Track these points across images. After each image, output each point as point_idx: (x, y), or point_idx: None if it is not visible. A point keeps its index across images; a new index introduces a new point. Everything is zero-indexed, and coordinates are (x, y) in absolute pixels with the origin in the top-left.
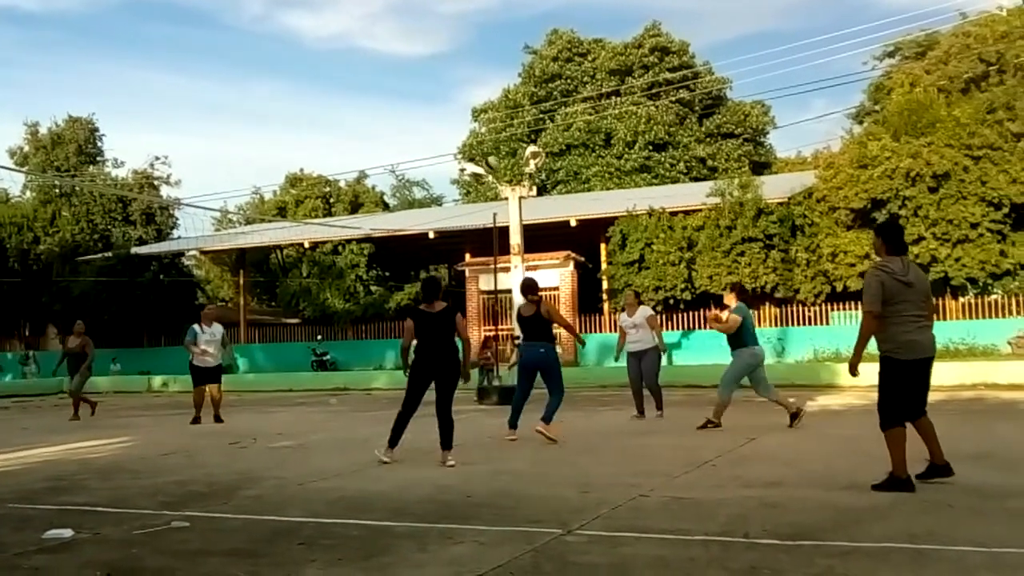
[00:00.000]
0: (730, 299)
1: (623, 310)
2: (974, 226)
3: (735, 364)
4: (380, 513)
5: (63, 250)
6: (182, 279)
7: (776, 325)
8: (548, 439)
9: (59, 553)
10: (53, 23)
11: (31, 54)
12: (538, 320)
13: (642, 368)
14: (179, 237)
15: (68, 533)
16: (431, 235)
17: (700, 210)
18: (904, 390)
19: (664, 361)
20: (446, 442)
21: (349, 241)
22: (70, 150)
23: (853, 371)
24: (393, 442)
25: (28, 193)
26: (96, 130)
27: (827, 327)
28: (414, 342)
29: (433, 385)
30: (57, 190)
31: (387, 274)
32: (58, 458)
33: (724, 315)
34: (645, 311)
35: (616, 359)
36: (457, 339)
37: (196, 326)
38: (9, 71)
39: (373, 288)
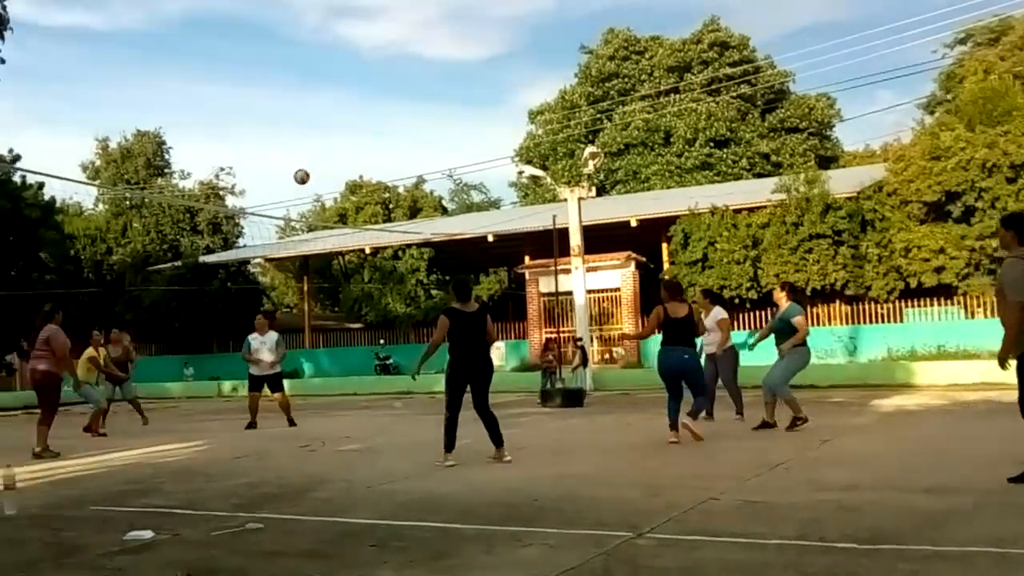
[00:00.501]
0: (781, 297)
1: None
2: None
3: (791, 361)
4: (448, 515)
5: (134, 260)
6: (248, 286)
7: (847, 323)
8: (696, 436)
9: (140, 554)
10: (120, 41)
11: (100, 71)
12: (688, 323)
13: (719, 370)
14: (245, 245)
15: (148, 534)
16: (490, 238)
17: (765, 207)
18: None
19: None
20: (497, 439)
21: (409, 246)
22: (139, 163)
23: (1003, 365)
24: (449, 447)
25: (100, 206)
26: (163, 143)
27: (901, 325)
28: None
29: (472, 387)
30: (128, 202)
31: (447, 278)
32: (135, 461)
33: (800, 332)
34: (717, 313)
35: (750, 348)
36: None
37: (251, 336)
38: (80, 89)
39: (434, 292)
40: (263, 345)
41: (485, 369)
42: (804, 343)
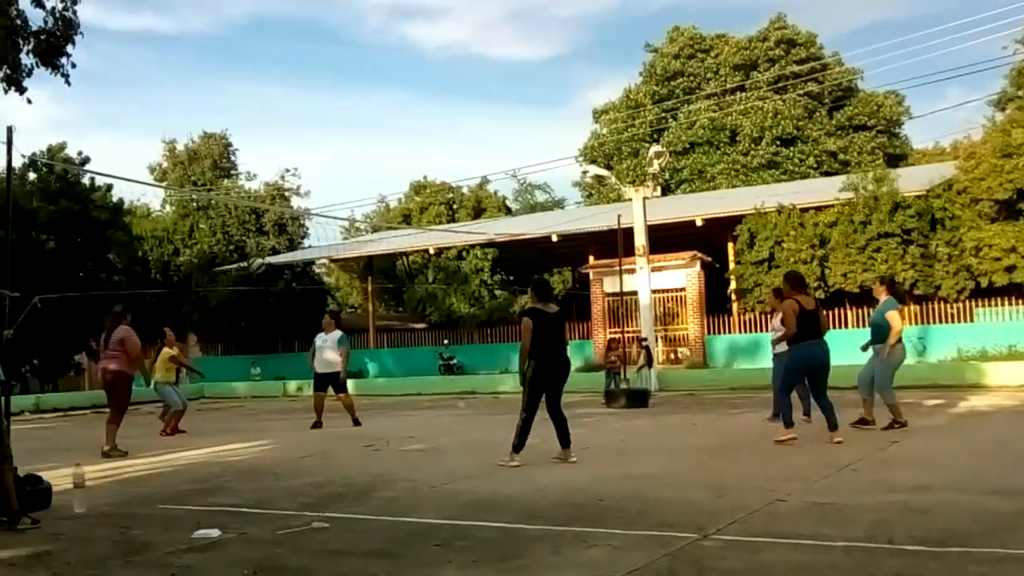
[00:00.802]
0: (880, 292)
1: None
2: None
3: (889, 360)
4: (513, 515)
5: (201, 261)
6: (313, 287)
7: (916, 323)
8: (838, 442)
9: (207, 552)
10: (186, 44)
11: (167, 74)
12: (817, 315)
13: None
14: (310, 246)
15: (215, 533)
16: (554, 238)
17: (832, 206)
18: None
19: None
20: (566, 440)
21: (473, 246)
22: (206, 165)
23: None
24: (519, 447)
25: (168, 207)
26: (229, 145)
27: (971, 324)
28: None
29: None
30: (195, 204)
31: (511, 278)
32: (202, 460)
33: (893, 328)
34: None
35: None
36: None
37: (317, 336)
38: (147, 92)
39: (497, 292)
40: (326, 343)
41: (566, 370)
42: (899, 340)
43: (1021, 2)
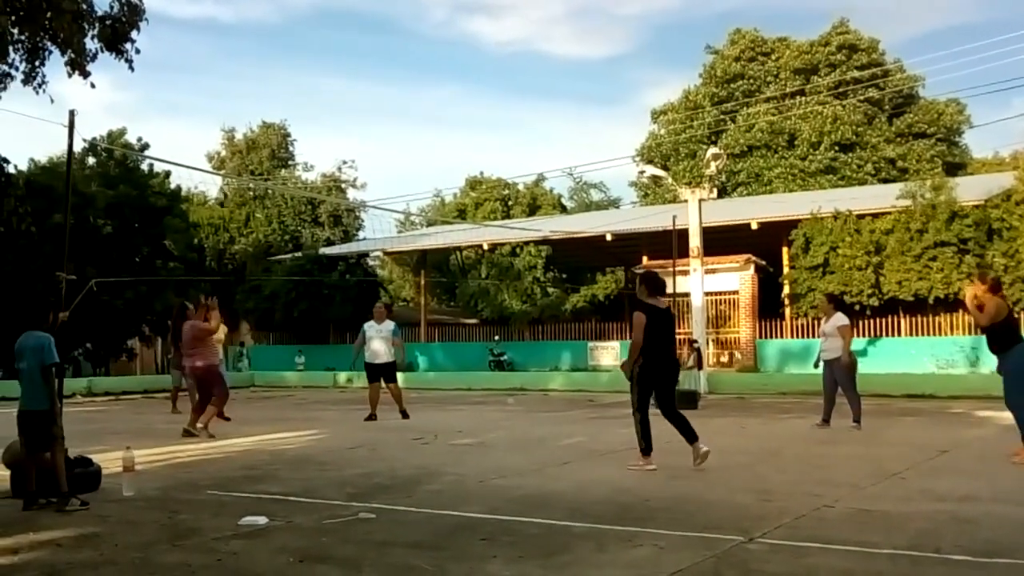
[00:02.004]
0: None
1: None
2: None
3: (1016, 369)
4: (559, 512)
5: (256, 250)
6: (367, 279)
7: (970, 334)
8: None
9: (254, 539)
10: (248, 33)
11: (228, 63)
12: None
13: (836, 377)
14: (364, 238)
15: (263, 520)
16: (608, 237)
17: (889, 213)
18: None
19: None
20: (691, 436)
21: (527, 243)
22: (263, 155)
23: None
24: (647, 450)
25: (225, 195)
26: (288, 135)
27: None
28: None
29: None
30: (251, 193)
31: (564, 276)
32: (252, 448)
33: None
34: (838, 319)
35: (815, 365)
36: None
37: (367, 324)
38: (208, 79)
39: (550, 290)
40: (378, 334)
41: (675, 369)
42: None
43: None
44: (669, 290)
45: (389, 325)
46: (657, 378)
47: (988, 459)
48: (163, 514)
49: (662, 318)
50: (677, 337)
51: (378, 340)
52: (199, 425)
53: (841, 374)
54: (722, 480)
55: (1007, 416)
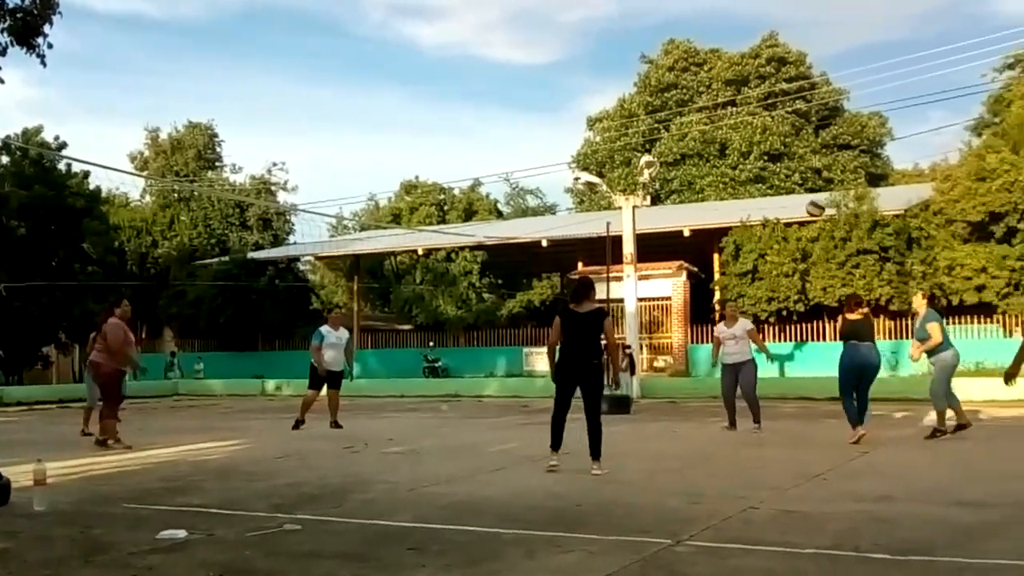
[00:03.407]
0: (921, 305)
1: (721, 319)
2: None
3: (941, 369)
4: (489, 519)
5: (181, 254)
6: (297, 284)
7: (891, 338)
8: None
9: (173, 553)
10: (175, 30)
11: (153, 60)
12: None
13: (740, 380)
14: (295, 243)
15: (182, 534)
16: (544, 243)
17: (815, 221)
18: None
19: (776, 373)
20: (594, 451)
21: (462, 248)
22: (189, 155)
23: (1008, 381)
24: (555, 446)
25: (147, 197)
26: (215, 136)
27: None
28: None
29: (580, 391)
30: (176, 195)
31: (499, 282)
32: (173, 459)
33: (929, 334)
34: (745, 324)
35: (713, 365)
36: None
37: (324, 328)
38: (131, 77)
39: (485, 295)
40: (339, 341)
41: (592, 374)
42: (944, 348)
43: (1001, 31)
44: (602, 295)
45: (345, 333)
46: (567, 379)
47: (905, 460)
48: (76, 529)
49: (576, 321)
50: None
51: (336, 348)
52: (110, 442)
53: (748, 377)
54: (653, 484)
55: (924, 417)
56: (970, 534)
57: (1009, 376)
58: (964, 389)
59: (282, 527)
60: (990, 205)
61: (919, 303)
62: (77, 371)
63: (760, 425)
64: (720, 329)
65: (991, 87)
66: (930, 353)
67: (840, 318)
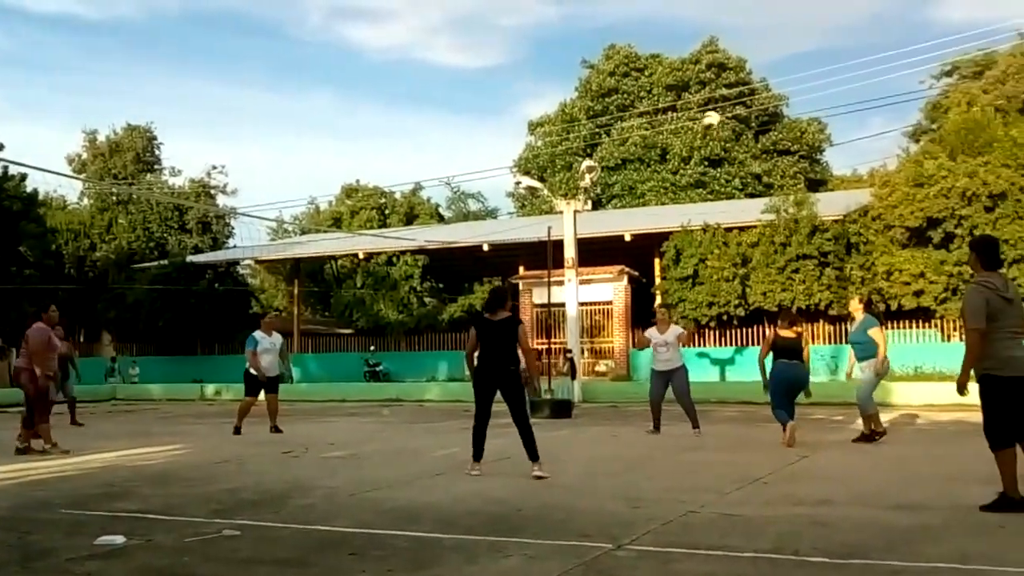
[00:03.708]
0: (857, 310)
1: (653, 324)
2: None
3: (877, 375)
4: (430, 525)
5: (119, 257)
6: (237, 288)
7: (830, 343)
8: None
9: (111, 559)
10: (113, 32)
11: (91, 62)
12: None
13: (674, 387)
14: (235, 246)
15: (120, 539)
16: (485, 247)
17: (755, 226)
18: (1008, 408)
19: (716, 377)
20: (531, 454)
21: (403, 252)
22: (128, 158)
23: (961, 390)
24: (477, 457)
25: (85, 200)
26: (154, 138)
27: None
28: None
29: (502, 397)
30: (114, 198)
31: (441, 286)
32: (111, 464)
33: (870, 339)
34: (676, 330)
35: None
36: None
37: (257, 334)
38: (68, 78)
39: (427, 300)
40: (273, 346)
41: (510, 380)
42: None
43: (939, 39)
44: (544, 300)
45: (279, 337)
46: (485, 386)
47: (844, 464)
48: (12, 535)
49: (490, 329)
50: (553, 346)
51: (270, 352)
52: (47, 447)
53: (680, 384)
54: (594, 488)
55: (863, 421)
56: (908, 537)
57: (961, 385)
58: (903, 393)
59: (221, 533)
60: (928, 211)
61: (855, 307)
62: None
63: (700, 429)
64: (651, 334)
65: (929, 94)
66: (862, 358)
67: (772, 331)
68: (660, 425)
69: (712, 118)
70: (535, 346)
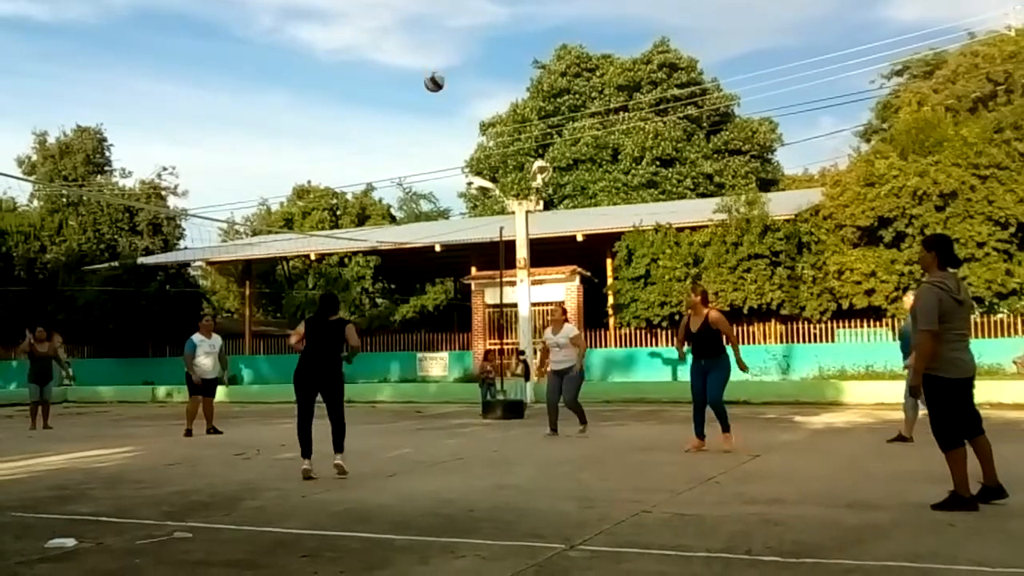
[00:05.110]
0: (696, 302)
1: (547, 326)
2: (980, 245)
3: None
4: (382, 525)
5: (69, 259)
6: (188, 290)
7: (781, 342)
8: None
9: (62, 562)
10: (63, 33)
11: (41, 63)
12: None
13: (563, 387)
14: (185, 248)
15: (71, 542)
16: (437, 248)
17: (707, 226)
18: (955, 409)
19: (669, 377)
20: (337, 445)
21: (355, 253)
22: (78, 160)
23: (915, 393)
24: (306, 454)
25: (35, 202)
26: (104, 140)
27: (832, 344)
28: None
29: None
30: (64, 199)
31: (393, 287)
32: (62, 467)
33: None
34: (570, 330)
35: (541, 375)
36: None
37: (196, 336)
38: (18, 80)
39: (379, 300)
40: (213, 349)
41: (329, 377)
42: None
43: (889, 39)
44: (496, 301)
45: (218, 339)
46: (305, 383)
47: (796, 463)
48: None
49: (319, 327)
50: (505, 348)
51: (210, 355)
52: None
53: (569, 386)
54: (546, 488)
55: (815, 420)
56: (859, 536)
57: (915, 388)
58: (854, 392)
59: (172, 535)
60: (879, 210)
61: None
62: None
63: (585, 426)
64: (547, 335)
65: (879, 93)
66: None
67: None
68: (557, 426)
69: (541, 163)
70: (488, 346)
